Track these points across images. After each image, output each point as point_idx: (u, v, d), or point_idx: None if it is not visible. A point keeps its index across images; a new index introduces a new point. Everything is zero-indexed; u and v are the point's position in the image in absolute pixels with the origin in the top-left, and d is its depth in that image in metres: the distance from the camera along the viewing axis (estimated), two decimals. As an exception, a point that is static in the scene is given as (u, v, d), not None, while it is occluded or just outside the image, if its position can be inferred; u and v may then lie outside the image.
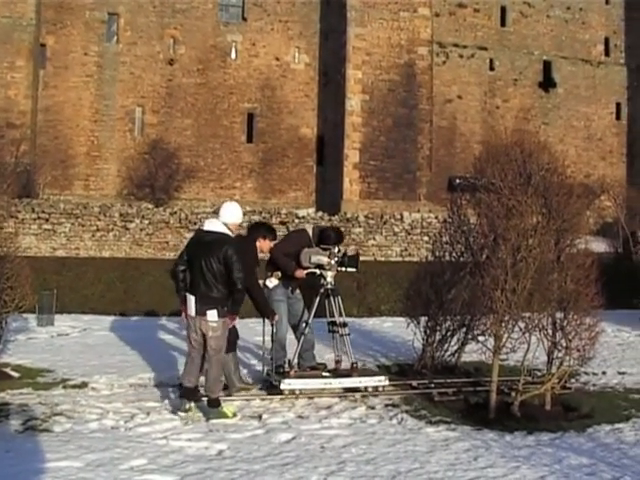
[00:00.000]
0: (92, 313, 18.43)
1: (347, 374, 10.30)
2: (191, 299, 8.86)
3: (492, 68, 45.91)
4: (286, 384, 9.88)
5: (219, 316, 8.82)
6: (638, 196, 35.17)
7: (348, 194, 39.48)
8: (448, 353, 11.22)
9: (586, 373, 11.81)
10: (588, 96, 48.02)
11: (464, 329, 10.69)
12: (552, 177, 9.46)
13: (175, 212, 27.66)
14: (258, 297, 10.18)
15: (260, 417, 8.93)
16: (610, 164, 48.02)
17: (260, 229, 10.81)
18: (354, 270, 10.72)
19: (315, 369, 10.73)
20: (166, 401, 9.62)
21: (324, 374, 10.55)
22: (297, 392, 9.90)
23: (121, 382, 10.77)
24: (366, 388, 10.11)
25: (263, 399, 9.84)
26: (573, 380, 11.15)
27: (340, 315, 10.53)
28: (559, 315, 9.17)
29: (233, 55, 42.68)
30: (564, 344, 9.18)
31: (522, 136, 9.96)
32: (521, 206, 9.04)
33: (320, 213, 28.47)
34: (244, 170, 42.46)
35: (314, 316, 10.59)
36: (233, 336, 9.93)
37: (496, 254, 8.95)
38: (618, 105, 48.95)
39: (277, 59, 43.04)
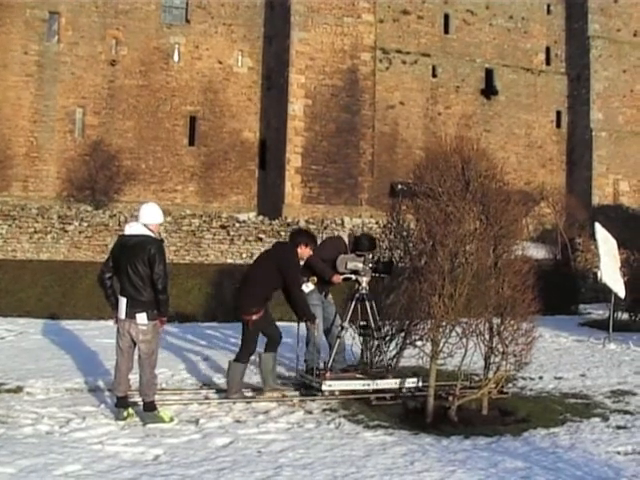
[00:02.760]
0: (28, 316, 18.17)
1: (382, 376, 10.37)
2: (122, 301, 8.80)
3: (435, 75, 46.26)
4: (327, 385, 10.03)
5: (149, 319, 8.77)
6: (577, 203, 35.70)
7: (290, 198, 39.50)
8: (387, 358, 11.25)
9: (523, 378, 11.92)
10: (529, 104, 48.64)
11: (402, 334, 10.72)
12: (490, 184, 9.54)
13: (115, 215, 27.38)
14: (300, 301, 10.22)
15: (197, 422, 8.86)
16: (550, 171, 48.67)
17: (302, 236, 10.94)
18: (387, 276, 10.86)
19: (346, 371, 10.89)
20: (102, 406, 9.51)
21: (358, 376, 10.69)
22: (337, 393, 10.08)
23: (57, 386, 10.61)
24: (401, 389, 10.12)
25: (201, 403, 9.77)
26: (510, 385, 11.24)
27: (374, 319, 10.65)
28: (496, 320, 9.25)
29: (176, 57, 42.48)
30: (501, 349, 9.27)
31: (462, 143, 9.96)
32: (459, 212, 9.10)
33: (261, 217, 28.42)
34: (186, 173, 42.26)
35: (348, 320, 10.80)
36: (276, 336, 10.23)
37: (434, 260, 9.00)
38: (558, 113, 49.67)
39: (220, 62, 42.92)
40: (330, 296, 11.37)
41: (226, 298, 18.65)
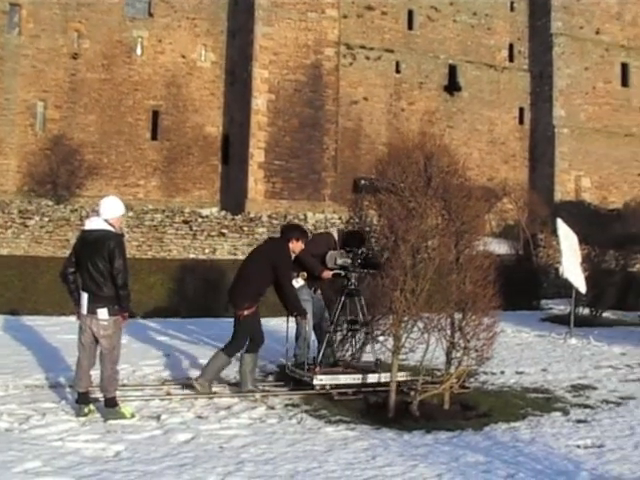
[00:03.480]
0: (-12, 312, 17.99)
1: (372, 370, 10.35)
2: (84, 297, 8.75)
3: (398, 71, 46.32)
4: (318, 380, 10.07)
5: (110, 314, 8.72)
6: (539, 199, 35.93)
7: (253, 193, 39.41)
8: (349, 353, 11.26)
9: (485, 373, 12.01)
10: (492, 100, 48.87)
11: (365, 329, 10.74)
12: (452, 179, 9.58)
13: (76, 209, 27.14)
14: (292, 296, 10.31)
15: (159, 417, 8.82)
16: (513, 168, 48.95)
17: (293, 231, 10.96)
18: (376, 271, 10.85)
19: (335, 366, 10.94)
20: (63, 402, 9.43)
21: (347, 370, 10.74)
22: (327, 387, 10.09)
23: (16, 383, 10.49)
24: (413, 381, 10.01)
25: (162, 399, 9.72)
26: (472, 380, 11.32)
27: (363, 314, 10.67)
28: (458, 316, 9.29)
29: (139, 51, 42.20)
30: (462, 344, 9.30)
31: (425, 139, 9.98)
32: (421, 208, 9.13)
33: (224, 212, 28.30)
34: (148, 168, 42.02)
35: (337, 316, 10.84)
36: (260, 338, 10.23)
37: (396, 255, 9.01)
38: (521, 110, 49.97)
39: (183, 56, 42.71)
40: (319, 291, 11.39)
41: (189, 293, 18.62)
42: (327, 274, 10.95)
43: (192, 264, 20.49)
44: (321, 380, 10.11)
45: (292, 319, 10.85)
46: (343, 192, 38.46)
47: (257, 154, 39.73)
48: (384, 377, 10.03)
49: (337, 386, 10.17)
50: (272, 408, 9.50)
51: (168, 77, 42.49)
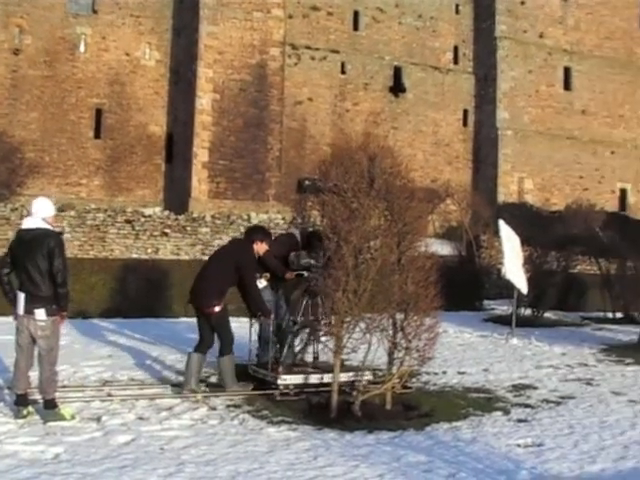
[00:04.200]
0: None
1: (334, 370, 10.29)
2: (21, 297, 8.62)
3: (343, 71, 46.40)
4: (282, 379, 10.04)
5: (47, 315, 8.61)
6: (482, 201, 36.23)
7: (196, 193, 39.23)
8: (284, 353, 11.25)
9: (427, 373, 12.08)
10: (437, 102, 49.18)
11: (307, 329, 10.74)
12: (395, 181, 9.60)
13: (17, 208, 26.71)
14: (256, 296, 10.35)
15: (99, 419, 8.72)
16: (456, 169, 49.30)
17: (258, 232, 11.01)
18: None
19: (296, 366, 10.90)
20: (1, 404, 9.27)
21: (310, 370, 10.70)
22: (291, 387, 10.06)
23: (-47, 384, 10.33)
24: (354, 382, 9.99)
25: (103, 400, 9.62)
26: (414, 380, 11.37)
27: (324, 314, 10.56)
28: (400, 316, 9.31)
29: (82, 48, 41.71)
30: (404, 344, 9.32)
31: (369, 140, 10.01)
32: (364, 209, 9.14)
33: (167, 212, 28.13)
34: (91, 167, 41.57)
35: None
36: (230, 338, 10.26)
37: (338, 255, 9.02)
38: (465, 112, 50.36)
39: (127, 54, 42.33)
40: (280, 292, 11.37)
41: (131, 294, 18.46)
42: (290, 275, 10.96)
43: (134, 264, 20.32)
44: (285, 380, 10.09)
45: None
46: (287, 192, 38.39)
47: (201, 154, 39.56)
48: (346, 376, 10.04)
49: (300, 385, 10.19)
50: (214, 409, 9.45)
51: (112, 75, 42.08)
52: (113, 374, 11.39)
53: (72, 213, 25.22)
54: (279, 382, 10.05)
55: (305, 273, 10.73)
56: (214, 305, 10.12)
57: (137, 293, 18.53)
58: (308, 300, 10.62)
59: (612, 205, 49.15)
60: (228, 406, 9.62)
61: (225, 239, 25.24)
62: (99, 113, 42.03)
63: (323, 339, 10.27)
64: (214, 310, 10.13)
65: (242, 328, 11.16)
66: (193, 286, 10.49)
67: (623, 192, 52.84)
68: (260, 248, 10.67)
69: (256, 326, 11.08)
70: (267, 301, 10.77)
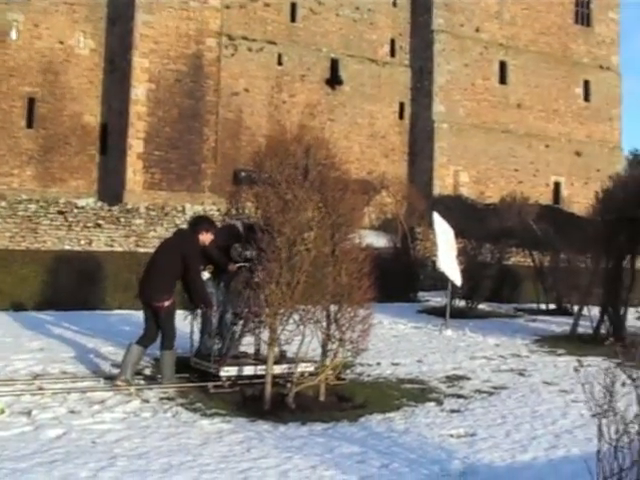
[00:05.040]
0: None
1: (276, 361, 10.16)
2: None
3: (280, 63, 46.27)
4: (224, 371, 10.02)
5: None
6: (418, 193, 36.40)
7: (131, 184, 38.85)
8: (225, 345, 11.20)
9: (361, 364, 12.10)
10: (373, 95, 49.31)
11: (242, 321, 10.71)
12: (329, 172, 9.61)
13: (-56, 199, 26.26)
14: (199, 287, 10.35)
15: (30, 413, 8.60)
16: (392, 161, 49.50)
17: (203, 223, 10.96)
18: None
19: (238, 357, 10.88)
20: None
21: (250, 361, 10.69)
22: (233, 379, 10.05)
23: None
24: (290, 374, 9.90)
25: (34, 394, 9.48)
26: (348, 371, 11.40)
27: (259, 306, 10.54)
28: (333, 308, 9.34)
29: (14, 35, 40.86)
30: (338, 336, 9.36)
31: (304, 131, 10.00)
32: (297, 200, 9.13)
33: (100, 203, 27.79)
34: (23, 157, 40.83)
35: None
36: (173, 333, 10.24)
37: (272, 247, 9.00)
38: (401, 105, 50.56)
39: (61, 42, 41.61)
40: (222, 284, 11.31)
41: (64, 286, 18.21)
42: (233, 267, 10.93)
43: (67, 256, 20.05)
44: (227, 372, 10.09)
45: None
46: (223, 184, 38.14)
47: (136, 144, 39.18)
48: (287, 368, 10.07)
49: (241, 377, 10.18)
50: (147, 402, 9.39)
51: (45, 63, 41.37)
52: (45, 367, 11.23)
53: (3, 204, 24.81)
54: (222, 374, 10.04)
55: (247, 265, 10.70)
56: (164, 300, 10.09)
57: (70, 285, 18.28)
58: (249, 292, 10.61)
59: (546, 198, 49.84)
60: (161, 399, 9.56)
61: (159, 231, 25.13)
62: (32, 102, 41.25)
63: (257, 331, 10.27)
64: (164, 305, 10.09)
65: (182, 320, 11.08)
66: (141, 281, 10.47)
67: (557, 185, 53.61)
68: (205, 238, 10.66)
69: (198, 318, 11.08)
70: (210, 293, 10.78)
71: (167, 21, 39.86)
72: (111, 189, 39.50)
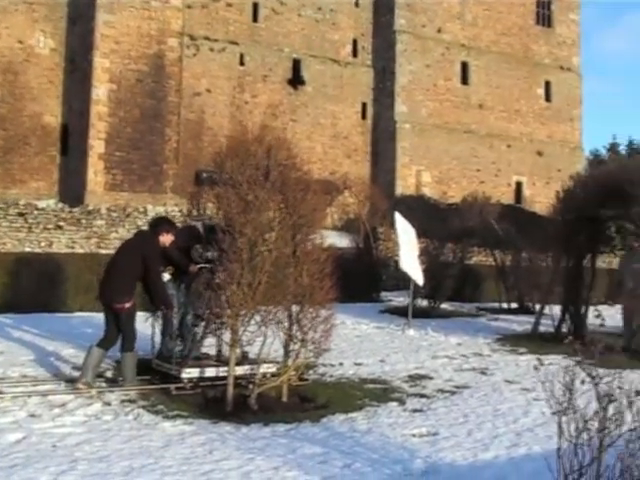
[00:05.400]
0: None
1: (238, 363, 10.06)
2: None
3: (242, 63, 46.18)
4: (186, 373, 9.96)
5: None
6: (380, 193, 36.46)
7: (92, 185, 38.60)
8: (187, 347, 11.16)
9: (324, 365, 12.10)
10: (335, 95, 49.35)
11: (203, 323, 10.67)
12: (290, 173, 9.60)
13: None
14: (160, 289, 10.30)
15: (-11, 417, 8.50)
16: (355, 162, 49.57)
17: (164, 224, 10.92)
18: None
19: (199, 359, 10.82)
20: None
21: (212, 363, 10.63)
22: (195, 380, 9.98)
23: None
24: (252, 375, 9.84)
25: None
26: (310, 372, 11.39)
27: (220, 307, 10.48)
28: (295, 308, 9.34)
29: (-28, 35, 40.52)
30: (300, 337, 9.36)
31: (267, 132, 9.98)
32: (258, 201, 9.11)
33: (61, 205, 27.57)
34: (-18, 158, 40.49)
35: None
36: (133, 335, 10.19)
37: (233, 248, 8.97)
38: (364, 105, 50.65)
39: (20, 42, 41.20)
40: (182, 285, 11.24)
41: (24, 288, 18.02)
42: (194, 268, 10.87)
43: (27, 258, 19.83)
44: (189, 373, 10.04)
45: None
46: (185, 184, 37.92)
47: (97, 145, 38.94)
48: (249, 369, 10.03)
49: (203, 379, 10.14)
50: (108, 404, 9.32)
51: (4, 63, 40.94)
52: (4, 371, 11.09)
53: (-40, 206, 24.54)
54: (183, 375, 9.99)
55: (208, 266, 10.67)
56: (125, 301, 10.03)
57: (30, 288, 18.07)
58: (210, 293, 10.58)
59: (508, 198, 50.14)
60: (123, 401, 9.50)
61: (121, 232, 24.96)
62: (-9, 102, 40.93)
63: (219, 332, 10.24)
64: (125, 306, 10.04)
65: (144, 322, 11.02)
66: (102, 282, 10.40)
67: (519, 185, 54.01)
68: (166, 239, 10.63)
69: (159, 320, 11.02)
70: (170, 294, 10.74)
71: (128, 21, 39.65)
72: (72, 190, 39.19)
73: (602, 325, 16.32)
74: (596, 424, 5.27)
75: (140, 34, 39.96)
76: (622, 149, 74.60)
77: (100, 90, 39.10)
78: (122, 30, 39.49)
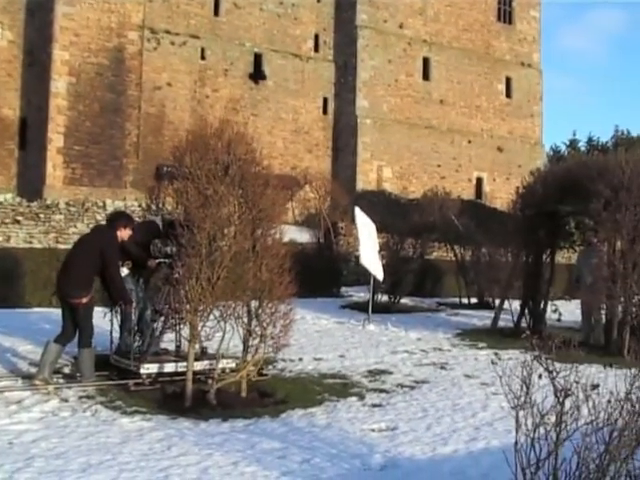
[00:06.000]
0: None
1: (197, 358, 10.01)
2: None
3: (203, 57, 45.95)
4: (145, 368, 9.89)
5: None
6: (341, 188, 36.52)
7: (51, 180, 38.28)
8: (146, 342, 11.10)
9: (283, 360, 12.10)
10: (297, 90, 49.30)
11: (162, 318, 10.62)
12: (249, 167, 9.57)
13: None
14: (118, 284, 10.18)
15: (-58, 415, 8.39)
16: (316, 157, 49.58)
17: (122, 218, 10.79)
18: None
19: (158, 354, 10.76)
20: None
21: (172, 358, 10.57)
22: (154, 376, 9.94)
23: None
24: (212, 370, 9.78)
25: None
26: (270, 367, 11.40)
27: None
28: (254, 303, 9.32)
29: None
30: (259, 332, 9.35)
31: (226, 126, 9.94)
32: (217, 195, 9.08)
33: (19, 199, 27.30)
34: (-61, 152, 39.97)
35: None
36: (90, 330, 10.06)
37: (192, 243, 8.93)
38: (325, 100, 50.64)
39: (-23, 34, 40.80)
40: (141, 280, 11.18)
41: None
42: (152, 263, 10.81)
43: (-15, 252, 19.60)
44: (148, 369, 9.98)
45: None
46: (145, 179, 37.77)
47: (56, 139, 38.62)
48: (208, 364, 10.00)
49: (163, 374, 10.10)
50: (65, 401, 9.25)
51: (-40, 56, 40.51)
52: (-41, 367, 10.99)
53: None
54: (142, 371, 9.94)
55: (167, 261, 10.61)
56: (82, 296, 9.92)
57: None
58: (169, 288, 10.52)
59: (468, 193, 50.45)
60: (81, 397, 9.43)
61: (80, 227, 24.75)
62: (-53, 96, 40.39)
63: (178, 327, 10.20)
64: (82, 301, 9.93)
65: (102, 317, 10.93)
66: (58, 277, 10.31)
67: (479, 181, 54.33)
68: (124, 234, 10.53)
69: (118, 315, 10.93)
70: (129, 290, 10.64)
71: (88, 13, 39.32)
72: (31, 184, 38.81)
73: (559, 320, 16.49)
74: (553, 418, 5.30)
75: (100, 27, 39.65)
76: (582, 145, 75.22)
77: (59, 83, 38.76)
78: (82, 23, 39.16)
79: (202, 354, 10.32)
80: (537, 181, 18.01)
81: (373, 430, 8.54)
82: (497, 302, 19.48)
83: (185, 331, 9.97)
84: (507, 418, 8.46)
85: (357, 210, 18.63)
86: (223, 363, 9.79)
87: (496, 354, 13.78)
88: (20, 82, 41.20)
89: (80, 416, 8.60)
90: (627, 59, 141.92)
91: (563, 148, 75.77)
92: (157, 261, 10.74)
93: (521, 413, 5.35)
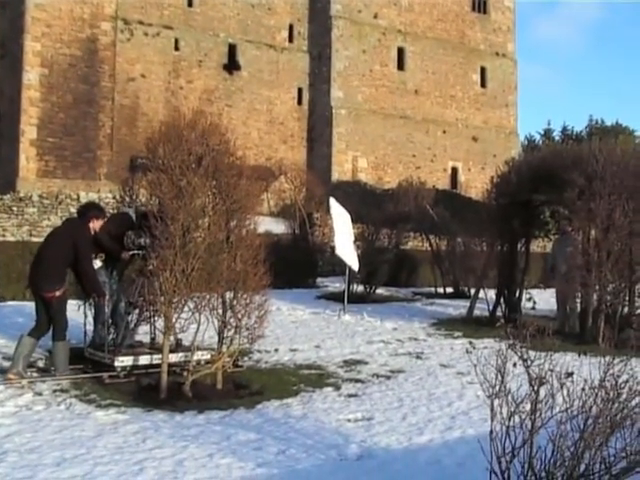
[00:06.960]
0: None
1: (172, 350, 9.95)
2: None
3: (177, 48, 45.80)
4: (119, 361, 9.82)
5: None
6: (316, 179, 36.52)
7: (24, 172, 38.08)
8: (120, 335, 11.05)
9: (259, 351, 12.08)
10: (271, 80, 49.22)
11: (136, 310, 10.57)
12: (223, 158, 9.53)
13: None
14: (91, 276, 10.10)
15: None
16: (291, 147, 49.55)
17: (93, 210, 10.69)
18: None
19: (133, 347, 10.68)
20: None
21: (146, 351, 10.50)
22: (129, 369, 9.87)
23: None
24: (187, 362, 9.74)
25: None
26: (245, 358, 11.37)
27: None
28: (229, 295, 9.29)
29: None
30: (234, 323, 9.32)
31: (199, 117, 9.89)
32: (191, 186, 9.03)
33: (-8, 192, 27.20)
34: None
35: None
36: (63, 323, 9.98)
37: (166, 234, 8.88)
38: (300, 90, 50.63)
39: (-52, 26, 40.47)
40: (115, 272, 11.09)
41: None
42: (126, 255, 10.74)
43: (-43, 246, 19.46)
44: (122, 362, 9.93)
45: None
46: (119, 171, 37.62)
47: (29, 131, 38.41)
48: (183, 356, 9.96)
49: (137, 367, 10.05)
50: (40, 394, 9.18)
51: None
52: None
53: None
54: (117, 364, 9.89)
55: (141, 252, 10.55)
56: (55, 289, 9.85)
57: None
58: (143, 280, 10.47)
59: (443, 183, 50.63)
60: (55, 391, 9.36)
61: (53, 219, 24.57)
62: None
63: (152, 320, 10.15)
64: (55, 295, 9.86)
65: (76, 310, 10.87)
66: (31, 270, 10.22)
67: (454, 170, 54.49)
68: (96, 225, 10.48)
69: (91, 308, 10.86)
70: (102, 282, 10.56)
71: (60, 4, 39.09)
72: (3, 177, 38.60)
73: (533, 308, 16.53)
74: (528, 406, 5.32)
75: (72, 17, 39.41)
76: (556, 135, 75.73)
77: (31, 74, 38.54)
78: (54, 13, 38.91)
79: (177, 346, 10.28)
80: (511, 170, 18.04)
81: (349, 420, 8.53)
82: (472, 291, 19.53)
83: (160, 323, 9.93)
84: (483, 407, 8.47)
85: (332, 200, 18.61)
86: (198, 355, 9.75)
87: (471, 343, 13.81)
88: (-8, 74, 40.98)
89: (54, 410, 8.54)
90: (601, 49, 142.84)
91: (538, 137, 76.26)
92: (130, 253, 10.68)
93: (496, 402, 5.37)
